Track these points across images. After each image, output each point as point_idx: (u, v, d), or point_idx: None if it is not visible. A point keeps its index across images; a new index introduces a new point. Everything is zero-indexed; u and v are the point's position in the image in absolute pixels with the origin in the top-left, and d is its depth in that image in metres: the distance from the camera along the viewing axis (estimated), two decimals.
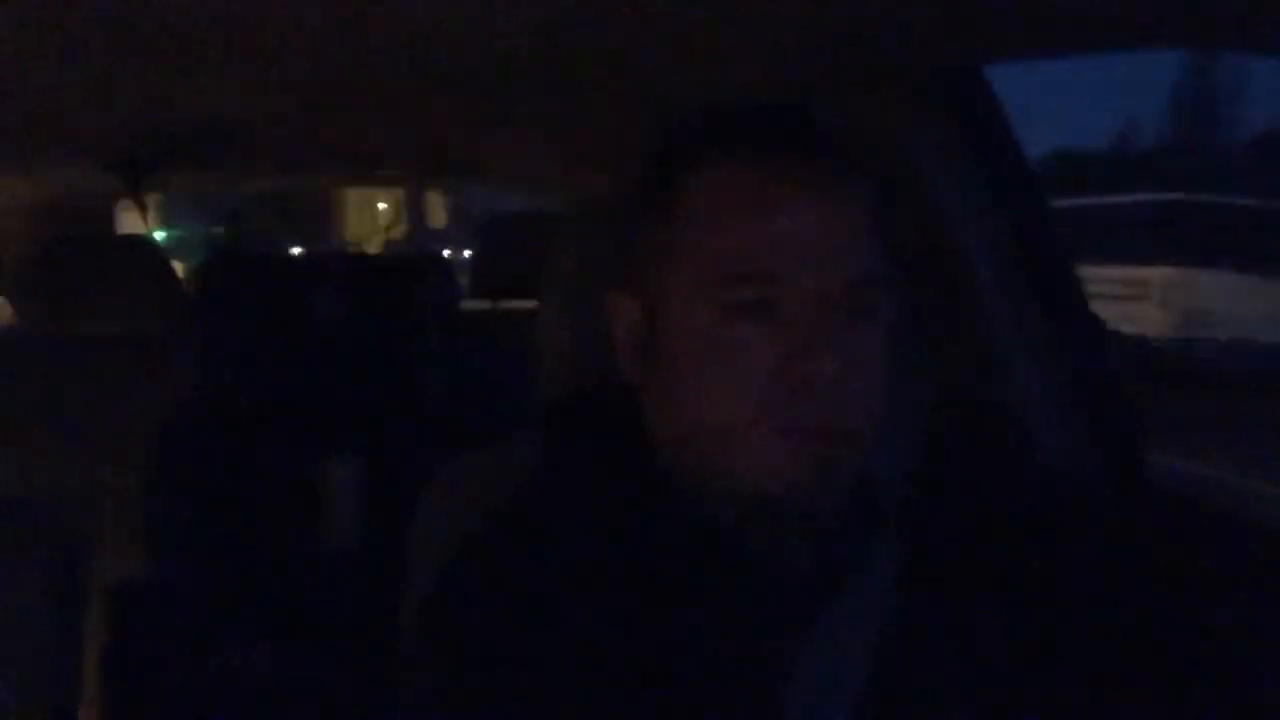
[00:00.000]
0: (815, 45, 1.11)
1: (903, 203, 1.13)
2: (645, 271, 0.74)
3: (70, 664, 1.12)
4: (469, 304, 2.11)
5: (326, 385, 1.76)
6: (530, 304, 1.80)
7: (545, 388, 0.99)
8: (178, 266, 2.08)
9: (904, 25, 1.00)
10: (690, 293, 0.69)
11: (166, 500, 1.48)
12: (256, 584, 1.50)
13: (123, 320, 1.58)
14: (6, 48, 1.07)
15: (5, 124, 1.45)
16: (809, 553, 0.71)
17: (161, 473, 1.50)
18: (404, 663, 0.77)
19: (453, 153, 2.18)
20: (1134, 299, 8.59)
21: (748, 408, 0.67)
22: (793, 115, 0.75)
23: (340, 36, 1.19)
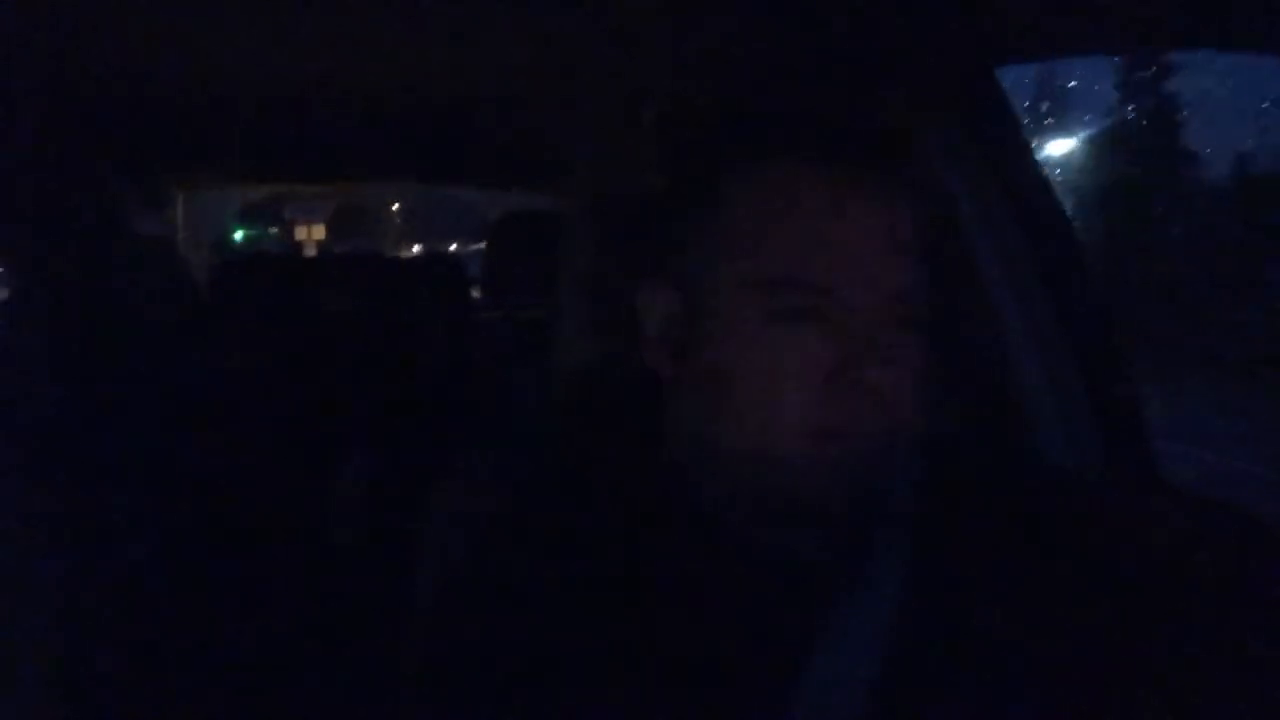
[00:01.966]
0: (825, 45, 1.11)
1: (913, 203, 1.13)
2: (687, 265, 0.73)
3: (76, 660, 1.13)
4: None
5: (337, 383, 1.77)
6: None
7: (557, 383, 0.99)
8: None
9: (916, 27, 1.00)
10: (738, 292, 0.68)
11: (176, 496, 1.49)
12: (266, 579, 1.50)
13: (138, 318, 1.60)
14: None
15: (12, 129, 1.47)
16: (821, 549, 0.72)
17: (171, 468, 1.51)
18: (412, 658, 0.77)
19: (458, 153, 2.19)
20: None
21: (793, 411, 0.66)
22: (855, 119, 0.75)
23: (344, 41, 1.20)
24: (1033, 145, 1.15)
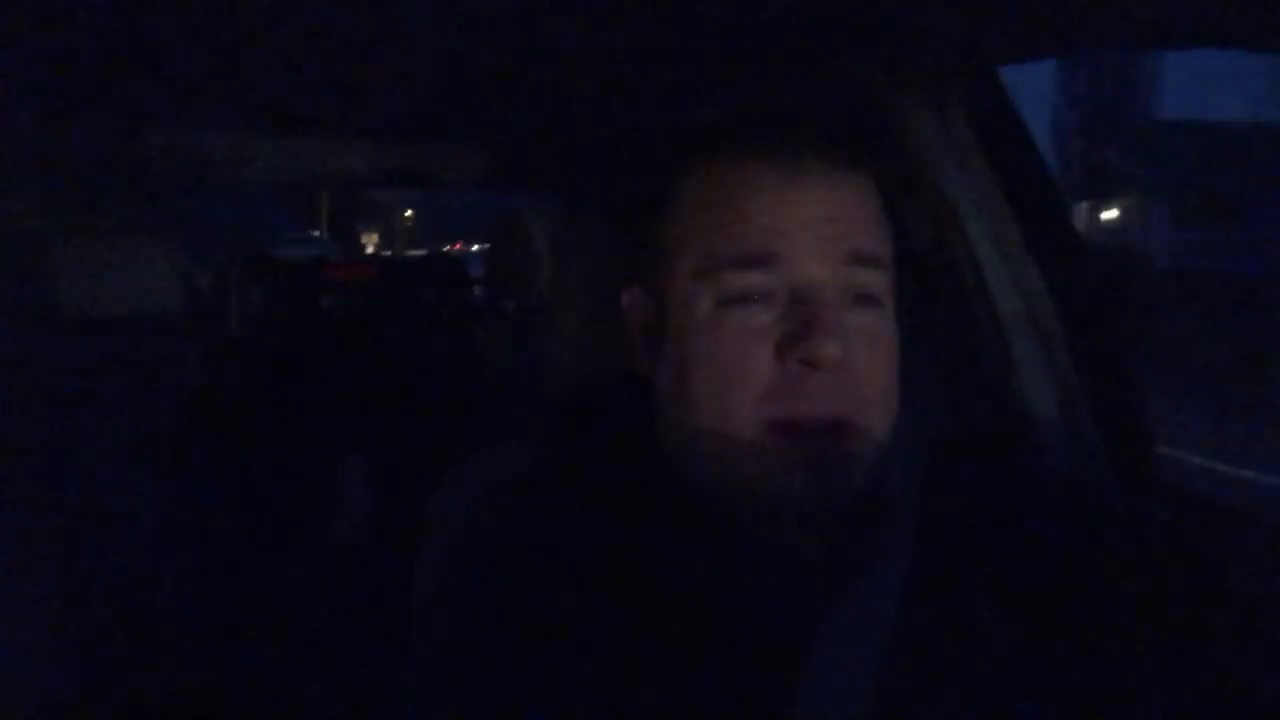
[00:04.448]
0: (827, 44, 1.10)
1: (915, 203, 1.13)
2: (653, 265, 0.75)
3: (76, 660, 1.13)
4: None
5: (338, 383, 1.77)
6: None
7: (552, 385, 0.99)
8: None
9: (918, 25, 1.00)
10: (692, 281, 0.70)
11: (177, 495, 1.49)
12: (266, 580, 1.51)
13: (139, 319, 1.60)
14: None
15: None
16: (819, 548, 0.72)
17: (173, 468, 1.51)
18: (412, 659, 0.78)
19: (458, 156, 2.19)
20: None
21: (747, 398, 0.67)
22: (791, 110, 0.77)
23: (340, 40, 1.21)
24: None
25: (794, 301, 0.67)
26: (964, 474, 0.81)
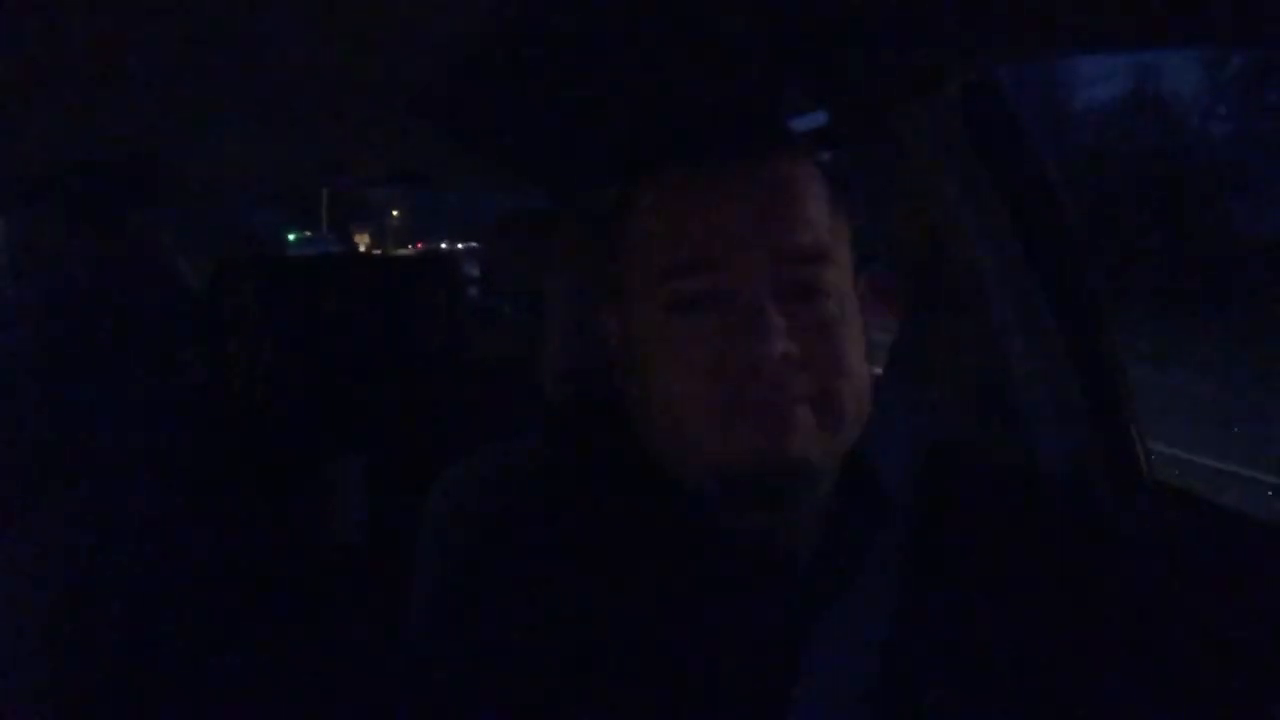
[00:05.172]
0: (824, 47, 1.11)
1: (911, 205, 1.13)
2: (615, 276, 0.77)
3: (75, 660, 1.13)
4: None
5: (334, 383, 1.77)
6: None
7: (546, 389, 1.00)
8: None
9: (916, 28, 1.00)
10: (644, 290, 0.72)
11: (174, 496, 1.49)
12: (263, 580, 1.51)
13: (132, 319, 1.59)
14: None
15: None
16: (814, 544, 0.72)
17: (169, 469, 1.51)
18: (411, 658, 0.78)
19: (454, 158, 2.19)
20: None
21: (695, 391, 0.68)
22: (730, 113, 0.78)
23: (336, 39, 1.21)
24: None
25: (736, 299, 0.69)
26: (959, 472, 0.82)
